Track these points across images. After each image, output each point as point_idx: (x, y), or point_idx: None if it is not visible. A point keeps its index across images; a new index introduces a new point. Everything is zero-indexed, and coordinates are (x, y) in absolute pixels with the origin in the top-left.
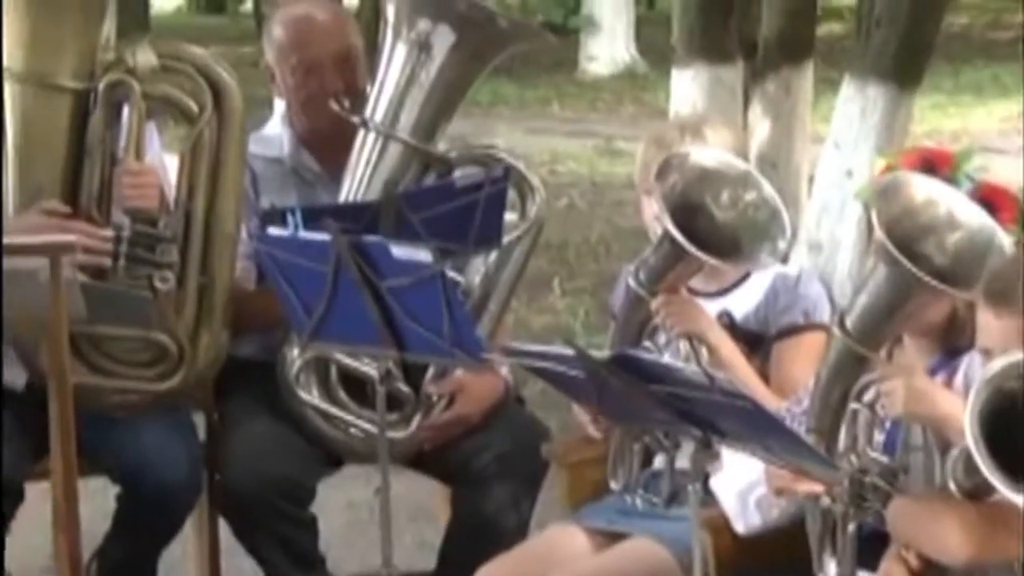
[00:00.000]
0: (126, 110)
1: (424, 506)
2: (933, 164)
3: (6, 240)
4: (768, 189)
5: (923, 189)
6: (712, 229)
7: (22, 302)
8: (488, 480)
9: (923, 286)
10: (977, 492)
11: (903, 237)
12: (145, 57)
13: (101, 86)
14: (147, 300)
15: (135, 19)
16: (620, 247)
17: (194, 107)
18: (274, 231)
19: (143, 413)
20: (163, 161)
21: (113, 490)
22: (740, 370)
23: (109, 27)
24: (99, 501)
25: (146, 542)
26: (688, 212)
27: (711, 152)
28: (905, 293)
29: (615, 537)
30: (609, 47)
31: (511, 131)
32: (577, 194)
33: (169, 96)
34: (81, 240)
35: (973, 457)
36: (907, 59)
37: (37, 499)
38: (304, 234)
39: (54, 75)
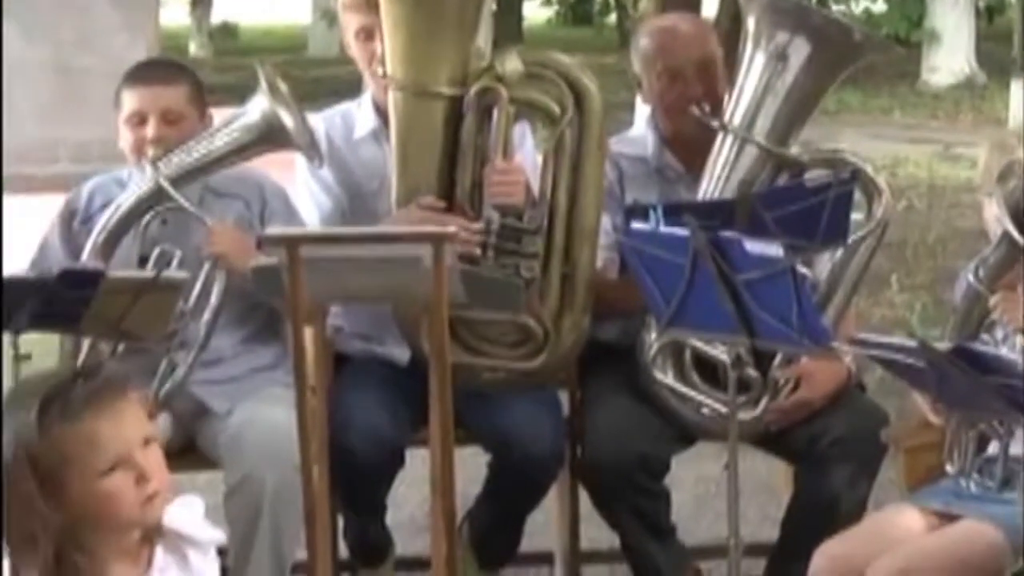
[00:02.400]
0: (495, 113)
1: (767, 482)
2: None
3: (393, 229)
4: None
5: None
6: None
7: (407, 286)
8: (829, 461)
9: None
10: None
11: None
12: (512, 65)
13: (472, 92)
14: (518, 286)
15: (509, 32)
16: (957, 246)
17: (557, 110)
18: (637, 225)
19: (512, 390)
20: (535, 159)
21: (484, 458)
22: None
23: (483, 38)
24: (472, 468)
25: (513, 506)
26: None
27: None
28: None
29: (949, 518)
30: (950, 59)
31: (855, 137)
32: (916, 196)
33: (534, 100)
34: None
35: None
36: None
37: (417, 464)
38: (665, 229)
39: (432, 83)
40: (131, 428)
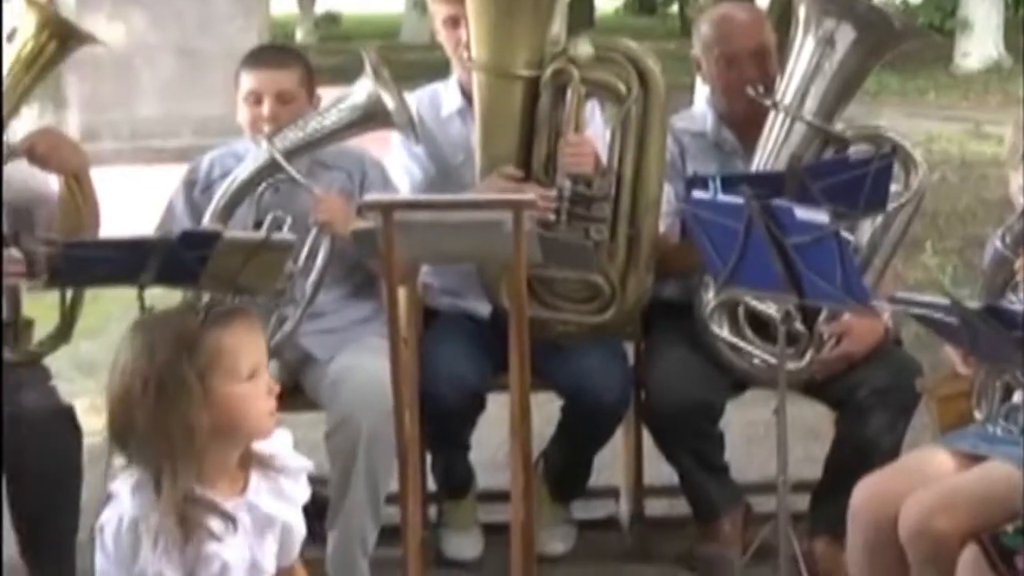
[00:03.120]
0: (568, 93)
1: (812, 426)
2: None
3: (478, 197)
4: None
5: None
6: None
7: (489, 248)
8: (868, 408)
9: None
10: None
11: None
12: (584, 49)
13: (548, 73)
14: (588, 248)
15: (581, 20)
16: (985, 215)
17: (624, 89)
18: (697, 194)
19: (583, 341)
20: (604, 134)
21: (558, 403)
22: None
23: (558, 26)
24: (546, 411)
25: (583, 446)
26: None
27: None
28: None
29: (976, 459)
30: (980, 46)
31: (894, 115)
32: (948, 170)
33: (603, 80)
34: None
35: None
36: None
37: (497, 408)
38: (722, 197)
39: (512, 66)
40: (262, 346)
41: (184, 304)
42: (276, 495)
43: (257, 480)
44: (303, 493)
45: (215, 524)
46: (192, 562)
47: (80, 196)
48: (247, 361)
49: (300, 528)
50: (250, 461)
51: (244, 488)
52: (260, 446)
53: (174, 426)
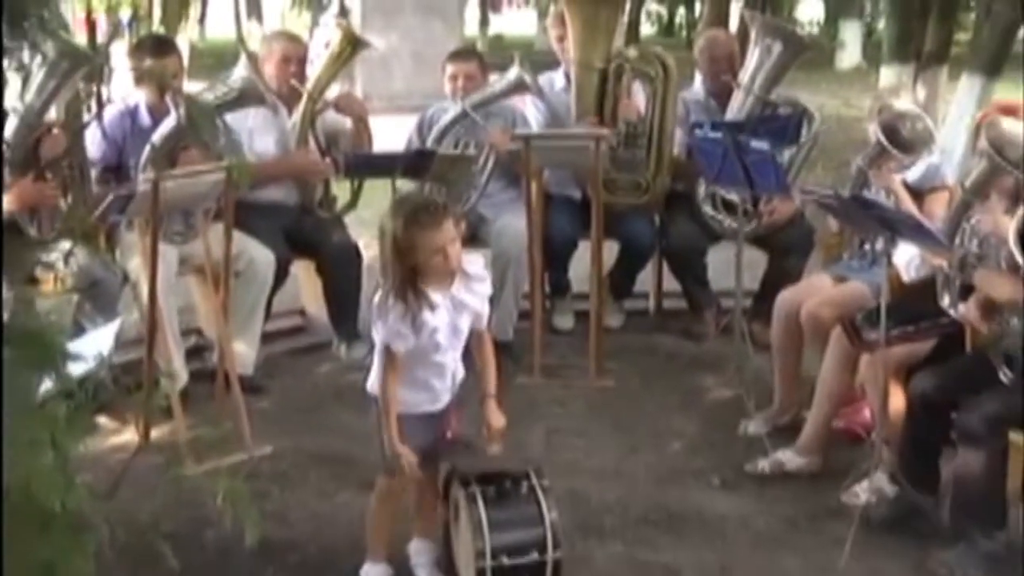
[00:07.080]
0: (624, 76)
1: (755, 260)
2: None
3: (573, 131)
4: (929, 122)
5: (1009, 124)
6: (900, 139)
7: (581, 160)
8: (785, 251)
9: (1001, 170)
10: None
11: (994, 143)
12: (633, 52)
13: (612, 66)
14: (636, 161)
15: (631, 37)
16: (852, 149)
17: (654, 74)
18: (697, 132)
19: (631, 212)
20: (643, 98)
21: (617, 246)
22: (910, 207)
23: (618, 40)
24: (611, 250)
25: (630, 269)
26: (890, 131)
27: (903, 103)
28: (994, 173)
29: (843, 280)
30: (849, 56)
31: (803, 93)
32: (832, 123)
33: (643, 70)
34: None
35: (1013, 253)
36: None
37: (583, 248)
38: (711, 134)
39: (593, 61)
40: (445, 234)
41: (408, 200)
42: (468, 291)
43: (459, 282)
44: (487, 289)
45: (426, 306)
46: (416, 326)
47: (362, 130)
48: (436, 244)
49: (484, 309)
50: (457, 272)
51: (451, 285)
52: (464, 264)
53: (392, 264)
